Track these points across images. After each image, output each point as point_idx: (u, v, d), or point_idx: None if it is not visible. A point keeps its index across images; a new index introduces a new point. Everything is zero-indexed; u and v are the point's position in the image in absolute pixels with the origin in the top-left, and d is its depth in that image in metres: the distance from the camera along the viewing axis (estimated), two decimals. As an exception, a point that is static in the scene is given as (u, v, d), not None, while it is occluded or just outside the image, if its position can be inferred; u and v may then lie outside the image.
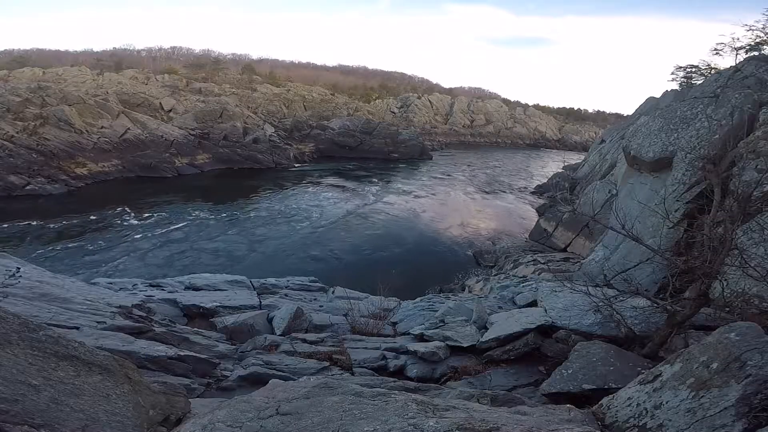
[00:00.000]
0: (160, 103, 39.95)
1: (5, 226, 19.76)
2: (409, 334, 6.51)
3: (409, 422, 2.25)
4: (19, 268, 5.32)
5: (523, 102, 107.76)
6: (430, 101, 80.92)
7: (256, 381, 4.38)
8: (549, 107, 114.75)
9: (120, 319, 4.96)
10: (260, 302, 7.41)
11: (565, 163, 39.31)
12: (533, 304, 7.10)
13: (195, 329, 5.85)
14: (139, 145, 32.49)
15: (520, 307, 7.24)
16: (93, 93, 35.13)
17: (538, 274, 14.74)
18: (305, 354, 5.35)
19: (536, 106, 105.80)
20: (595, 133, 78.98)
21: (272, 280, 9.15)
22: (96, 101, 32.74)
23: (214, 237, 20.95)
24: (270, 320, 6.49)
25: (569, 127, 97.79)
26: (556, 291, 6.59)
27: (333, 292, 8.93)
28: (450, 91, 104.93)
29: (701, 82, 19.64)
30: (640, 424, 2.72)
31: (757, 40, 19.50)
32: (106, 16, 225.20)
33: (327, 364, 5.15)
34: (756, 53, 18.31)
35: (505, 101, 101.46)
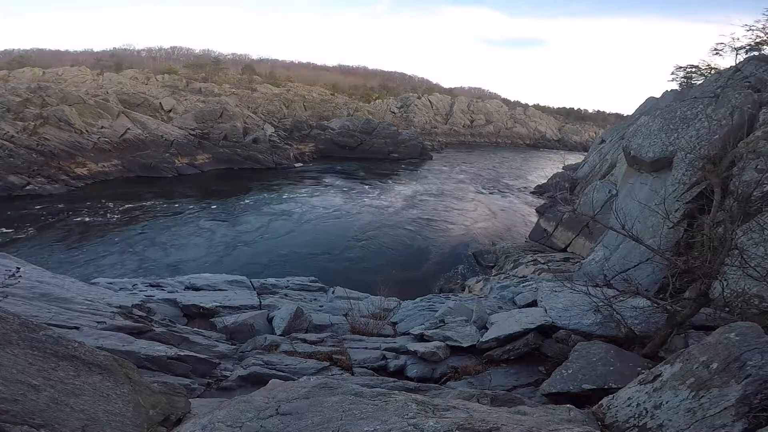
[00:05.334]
0: (160, 103, 39.95)
1: (5, 226, 19.75)
2: (409, 334, 6.51)
3: (409, 422, 2.25)
4: (19, 268, 5.32)
5: (523, 102, 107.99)
6: (430, 101, 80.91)
7: (256, 381, 4.38)
8: (549, 107, 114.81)
9: (120, 319, 4.96)
10: (260, 302, 7.42)
11: (565, 163, 39.28)
12: (533, 304, 7.10)
13: (195, 329, 5.85)
14: (139, 145, 32.50)
15: (520, 307, 7.24)
16: (93, 93, 35.13)
17: (538, 274, 14.74)
18: (305, 354, 5.35)
19: (536, 106, 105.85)
20: (595, 133, 79.00)
21: (272, 280, 9.15)
22: (96, 101, 32.74)
23: (214, 237, 20.95)
24: (270, 320, 6.49)
25: (569, 127, 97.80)
26: (556, 291, 6.59)
27: (333, 292, 8.93)
28: (450, 91, 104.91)
29: (701, 82, 19.66)
30: (640, 424, 2.72)
31: (757, 40, 19.50)
32: (106, 16, 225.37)
33: (327, 364, 5.15)
34: (756, 53, 18.30)
35: (505, 101, 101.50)
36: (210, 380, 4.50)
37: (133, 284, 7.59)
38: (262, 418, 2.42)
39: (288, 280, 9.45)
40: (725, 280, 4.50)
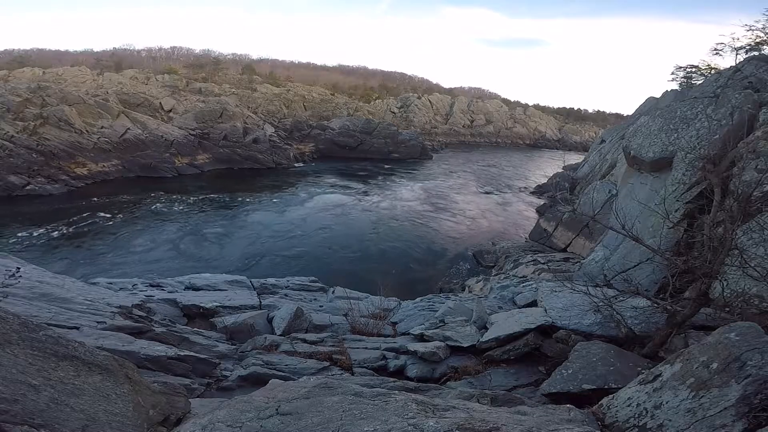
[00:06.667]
0: (160, 103, 39.94)
1: (5, 226, 19.75)
2: (409, 334, 6.51)
3: (409, 422, 2.25)
4: (19, 268, 5.33)
5: (523, 102, 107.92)
6: (430, 101, 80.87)
7: (256, 381, 4.38)
8: (549, 107, 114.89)
9: (120, 319, 4.96)
10: (260, 302, 7.42)
11: (565, 163, 39.30)
12: (533, 304, 7.10)
13: (195, 329, 5.85)
14: (139, 145, 32.49)
15: (520, 307, 7.24)
16: (93, 93, 35.13)
17: (538, 274, 14.73)
18: (305, 354, 5.35)
19: (536, 106, 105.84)
20: (595, 133, 79.00)
21: (272, 280, 9.15)
22: (96, 101, 32.73)
23: (215, 237, 20.95)
24: (270, 320, 6.49)
25: (569, 127, 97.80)
26: (556, 291, 6.59)
27: (333, 292, 8.93)
28: (450, 91, 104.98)
29: (701, 82, 19.66)
30: (640, 424, 2.72)
31: (757, 40, 19.50)
32: (106, 16, 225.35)
33: (327, 364, 5.15)
34: (756, 53, 18.31)
35: (505, 101, 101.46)
36: (210, 380, 4.50)
37: (133, 284, 7.59)
38: (262, 418, 2.42)
39: (288, 280, 9.45)
40: (725, 280, 4.51)
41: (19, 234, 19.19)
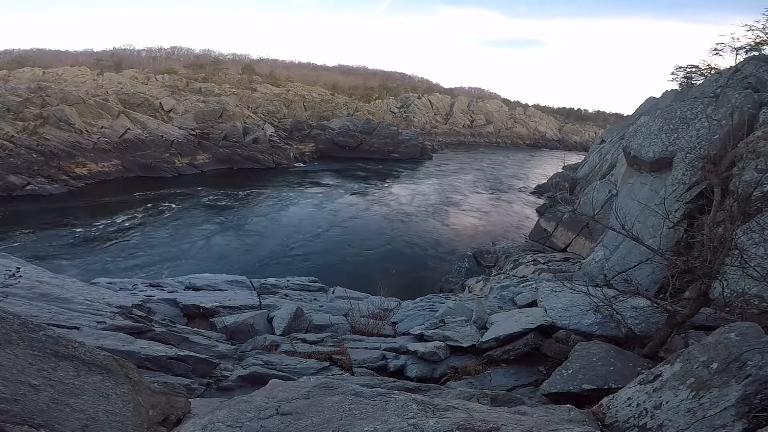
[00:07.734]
0: (160, 103, 39.94)
1: (5, 226, 19.75)
2: (409, 334, 6.52)
3: (409, 422, 2.24)
4: (19, 268, 5.32)
5: (523, 102, 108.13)
6: (430, 101, 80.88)
7: (256, 381, 4.38)
8: (549, 107, 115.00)
9: (120, 319, 4.96)
10: (260, 302, 7.42)
11: (565, 163, 39.29)
12: (533, 304, 7.11)
13: (195, 329, 5.85)
14: (139, 145, 32.48)
15: (520, 307, 7.25)
16: (93, 93, 35.12)
17: (538, 274, 14.72)
18: (305, 354, 5.35)
19: (536, 106, 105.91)
20: (595, 133, 79.04)
21: (272, 280, 9.16)
22: (96, 101, 32.72)
23: (214, 237, 20.94)
24: (270, 320, 6.49)
25: (569, 127, 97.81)
26: (556, 291, 6.59)
27: (333, 292, 8.93)
28: (450, 91, 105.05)
29: (701, 82, 19.64)
30: (640, 424, 2.72)
31: (757, 40, 19.50)
32: (106, 16, 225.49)
33: (327, 364, 5.15)
34: (756, 53, 18.31)
35: (505, 101, 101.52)
36: (210, 380, 4.50)
37: (133, 284, 7.58)
38: (262, 418, 2.42)
39: (288, 280, 9.45)
40: (725, 280, 4.50)
41: (19, 234, 19.18)
